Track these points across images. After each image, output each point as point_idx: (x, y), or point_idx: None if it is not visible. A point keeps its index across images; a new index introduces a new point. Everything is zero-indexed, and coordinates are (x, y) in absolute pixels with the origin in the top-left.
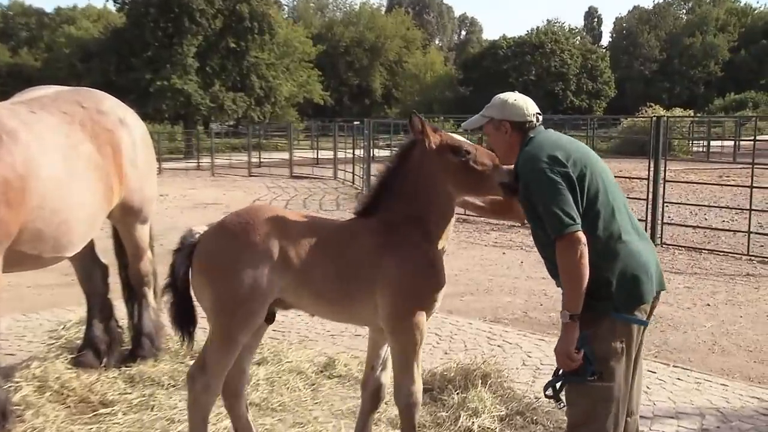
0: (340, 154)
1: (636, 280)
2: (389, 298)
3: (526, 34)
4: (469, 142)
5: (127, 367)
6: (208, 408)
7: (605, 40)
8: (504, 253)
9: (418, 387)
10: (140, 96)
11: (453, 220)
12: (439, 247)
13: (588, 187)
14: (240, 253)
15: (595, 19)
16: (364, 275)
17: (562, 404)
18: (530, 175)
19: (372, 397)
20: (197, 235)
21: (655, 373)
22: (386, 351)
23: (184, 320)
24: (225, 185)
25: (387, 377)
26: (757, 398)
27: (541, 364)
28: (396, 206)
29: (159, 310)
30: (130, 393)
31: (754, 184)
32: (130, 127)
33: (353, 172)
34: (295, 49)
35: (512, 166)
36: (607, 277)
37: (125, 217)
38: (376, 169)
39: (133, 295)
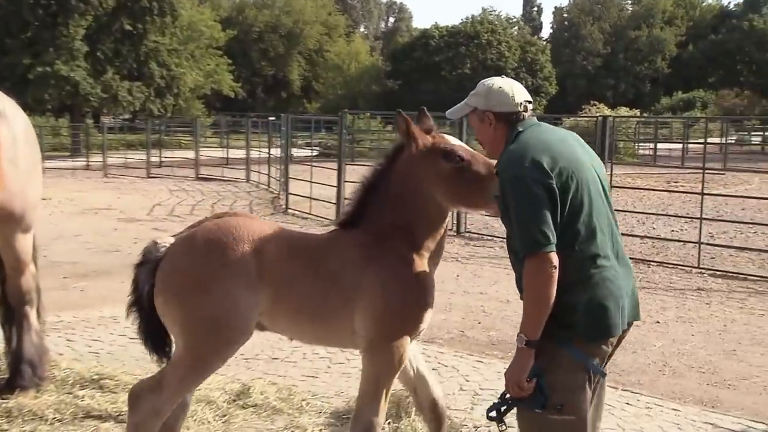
0: (254, 154)
1: (604, 310)
2: (371, 315)
3: (460, 23)
4: (465, 146)
5: (3, 399)
6: None
7: (546, 31)
8: None
9: (380, 421)
10: (17, 83)
11: (445, 232)
12: (431, 261)
13: (570, 202)
14: (215, 269)
15: (535, 8)
16: (345, 291)
17: (504, 427)
18: (510, 180)
19: (433, 416)
20: (163, 249)
21: None
22: (418, 365)
23: (158, 342)
24: (120, 188)
25: (437, 389)
26: (711, 424)
27: (480, 388)
28: (382, 215)
29: (42, 332)
30: (6, 429)
31: (705, 191)
32: (10, 120)
33: (269, 174)
34: (202, 34)
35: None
36: (573, 304)
37: (4, 225)
38: (360, 174)
39: (12, 315)
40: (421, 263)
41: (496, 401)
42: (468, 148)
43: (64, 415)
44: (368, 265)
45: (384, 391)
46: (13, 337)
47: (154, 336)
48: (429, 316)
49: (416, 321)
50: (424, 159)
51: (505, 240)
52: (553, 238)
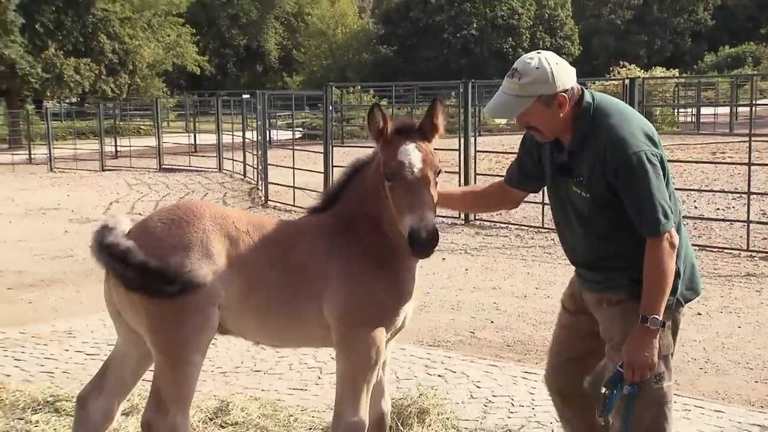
0: (226, 139)
1: (694, 269)
2: (338, 306)
3: None
4: (416, 163)
5: None
6: None
7: None
8: (444, 259)
9: (362, 421)
10: None
11: None
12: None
13: (667, 169)
14: (174, 255)
15: None
16: (312, 281)
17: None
18: (626, 160)
19: (376, 428)
20: (124, 226)
21: None
22: (381, 373)
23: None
24: (69, 184)
25: (387, 403)
26: (759, 425)
27: (493, 395)
28: (353, 202)
29: None
30: None
31: (754, 161)
32: None
33: (244, 162)
34: None
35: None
36: (678, 269)
37: None
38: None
39: None
40: (392, 253)
41: (612, 393)
42: (418, 166)
43: None
44: (332, 253)
45: (364, 389)
46: None
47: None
48: (407, 307)
49: (387, 312)
50: (378, 163)
51: (520, 227)
52: (672, 212)
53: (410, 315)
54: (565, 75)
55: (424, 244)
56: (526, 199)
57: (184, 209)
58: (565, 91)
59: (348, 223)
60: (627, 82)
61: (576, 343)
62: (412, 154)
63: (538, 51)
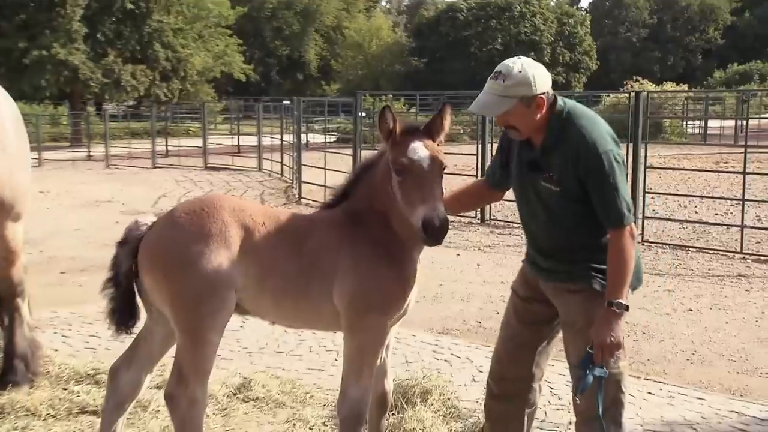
0: (266, 141)
1: (639, 261)
2: (346, 293)
3: None
4: (426, 160)
5: None
6: (200, 423)
7: (585, 1)
8: (458, 255)
9: (365, 399)
10: (12, 69)
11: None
12: (413, 246)
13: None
14: (196, 243)
15: None
16: (321, 271)
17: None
18: (596, 159)
19: (378, 405)
20: (144, 227)
21: None
22: (384, 354)
23: (125, 315)
24: (123, 179)
25: (390, 383)
26: (737, 412)
27: None
28: (363, 198)
29: (35, 327)
30: None
31: (754, 170)
32: None
33: (282, 162)
34: (209, 12)
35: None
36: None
37: None
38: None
39: (3, 308)
40: (396, 246)
41: (583, 377)
42: (427, 163)
43: (58, 411)
44: (342, 244)
45: (367, 369)
46: (4, 330)
47: (121, 312)
48: (409, 296)
49: (392, 299)
50: (388, 161)
51: None
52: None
53: (413, 302)
54: (543, 79)
55: (438, 231)
56: None
57: (206, 202)
58: (543, 93)
59: (357, 218)
60: (633, 95)
61: (530, 328)
62: (421, 151)
63: (519, 57)
